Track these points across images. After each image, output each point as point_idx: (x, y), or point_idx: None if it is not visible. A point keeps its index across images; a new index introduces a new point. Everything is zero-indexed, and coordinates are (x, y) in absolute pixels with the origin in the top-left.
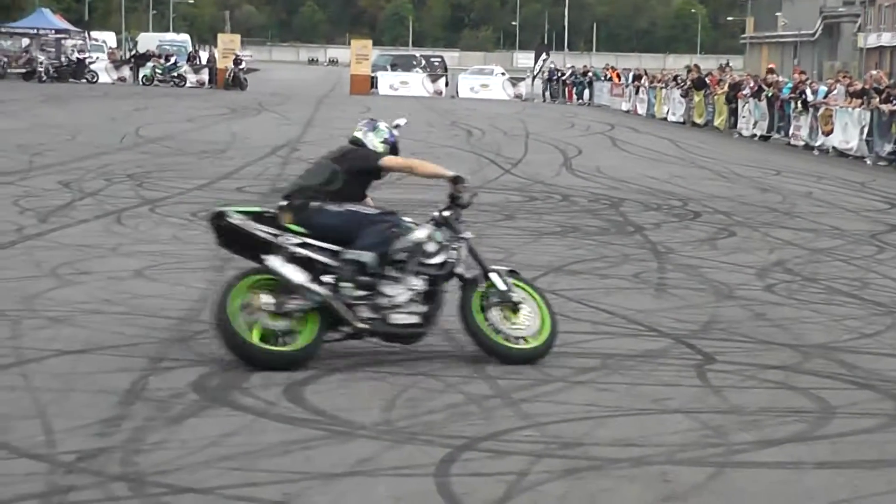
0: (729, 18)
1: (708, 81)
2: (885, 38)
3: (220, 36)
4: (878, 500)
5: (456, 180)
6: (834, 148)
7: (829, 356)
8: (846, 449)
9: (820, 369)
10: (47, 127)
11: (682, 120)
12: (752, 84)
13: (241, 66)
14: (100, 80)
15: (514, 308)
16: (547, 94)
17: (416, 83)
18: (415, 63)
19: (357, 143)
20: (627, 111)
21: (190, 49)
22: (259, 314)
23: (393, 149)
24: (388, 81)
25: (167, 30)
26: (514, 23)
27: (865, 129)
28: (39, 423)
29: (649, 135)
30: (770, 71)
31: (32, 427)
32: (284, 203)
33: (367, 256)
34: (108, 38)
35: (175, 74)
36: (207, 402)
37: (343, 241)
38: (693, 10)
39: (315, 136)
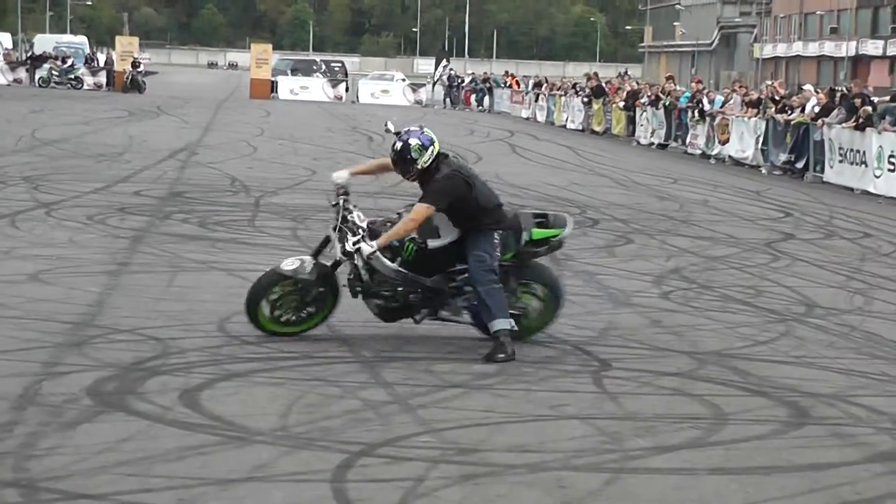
0: (628, 27)
1: (607, 89)
2: (781, 49)
3: (118, 38)
4: None
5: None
6: (730, 157)
7: (724, 363)
8: (739, 455)
9: (714, 376)
10: None
11: (581, 128)
12: (649, 93)
13: (139, 69)
14: None
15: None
16: (447, 100)
17: (316, 88)
18: (315, 68)
19: (409, 155)
20: (527, 118)
21: (87, 51)
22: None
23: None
24: (289, 86)
25: (64, 31)
26: (414, 29)
27: (761, 139)
28: None
29: (549, 142)
30: (668, 79)
31: None
32: None
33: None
34: (4, 38)
35: (72, 77)
36: (102, 408)
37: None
38: (592, 19)
39: (214, 139)
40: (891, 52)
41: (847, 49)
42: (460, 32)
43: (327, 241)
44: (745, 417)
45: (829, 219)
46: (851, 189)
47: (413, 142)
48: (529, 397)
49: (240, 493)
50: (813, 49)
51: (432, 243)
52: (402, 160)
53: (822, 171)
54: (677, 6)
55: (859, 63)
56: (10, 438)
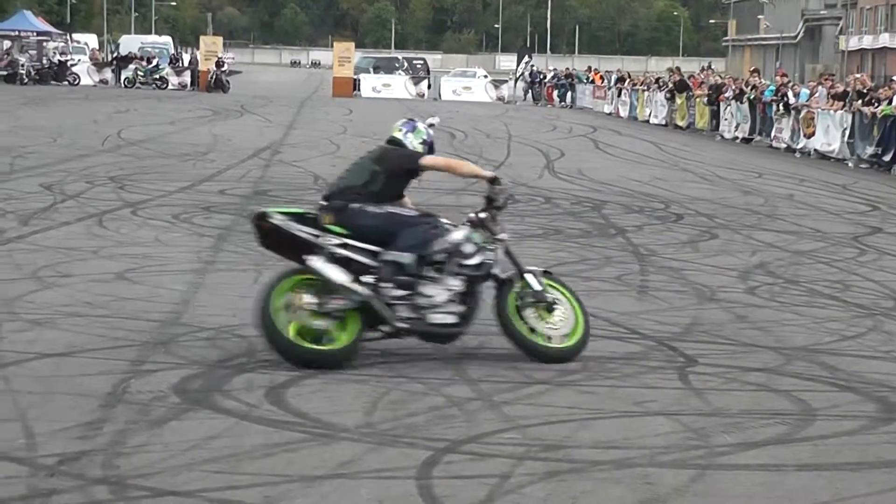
0: (711, 21)
1: (690, 84)
2: (867, 41)
3: (202, 38)
4: (860, 501)
5: (493, 181)
6: (816, 150)
7: (811, 358)
8: (828, 451)
9: (801, 371)
10: (29, 129)
11: (664, 122)
12: (733, 87)
13: (223, 69)
14: (81, 83)
15: (549, 308)
16: (529, 96)
17: (398, 86)
18: (397, 65)
19: (396, 143)
20: (610, 114)
21: (172, 51)
22: (300, 313)
23: (430, 148)
24: (371, 84)
25: (149, 32)
26: (496, 25)
27: (847, 132)
28: (20, 426)
29: (631, 137)
30: (753, 73)
31: (13, 430)
32: (325, 203)
33: (406, 258)
34: (90, 40)
35: (157, 77)
36: (189, 405)
37: (383, 241)
38: (675, 13)
39: (297, 138)
40: None
41: None
42: (542, 28)
43: None
44: (833, 413)
45: None
46: None
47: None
48: (614, 393)
49: (325, 489)
50: None
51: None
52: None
53: None
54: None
55: None
56: (99, 436)
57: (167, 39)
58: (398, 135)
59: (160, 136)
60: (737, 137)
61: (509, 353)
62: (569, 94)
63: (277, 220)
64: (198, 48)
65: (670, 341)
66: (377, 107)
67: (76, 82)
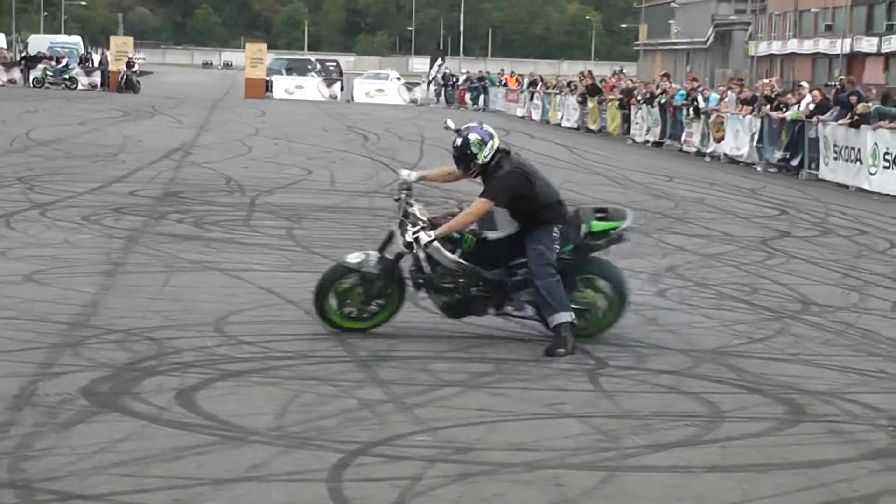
0: (623, 25)
1: (602, 88)
2: (776, 46)
3: (112, 38)
4: (767, 502)
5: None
6: (725, 154)
7: (720, 361)
8: (736, 452)
9: (710, 374)
10: None
11: (576, 126)
12: (644, 91)
13: (133, 69)
14: None
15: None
16: (442, 98)
17: (311, 87)
18: (310, 67)
19: (468, 150)
20: (522, 117)
21: (82, 51)
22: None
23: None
24: (284, 85)
25: (59, 32)
26: (409, 28)
27: (756, 136)
28: None
29: (544, 140)
30: (663, 77)
31: None
32: None
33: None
34: None
35: (67, 77)
36: (98, 408)
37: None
38: (587, 17)
39: (209, 139)
40: (885, 49)
41: (842, 46)
42: (455, 31)
43: (391, 236)
44: (742, 415)
45: (825, 216)
46: (846, 186)
47: (473, 137)
48: (526, 396)
49: (236, 492)
50: (808, 46)
51: (491, 235)
52: (463, 156)
53: (818, 168)
54: (672, 4)
55: (854, 60)
56: (6, 439)
57: (77, 39)
58: (477, 150)
59: (70, 137)
60: (648, 141)
61: (421, 355)
62: (482, 96)
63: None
64: (108, 48)
65: (581, 344)
66: (290, 108)
67: None
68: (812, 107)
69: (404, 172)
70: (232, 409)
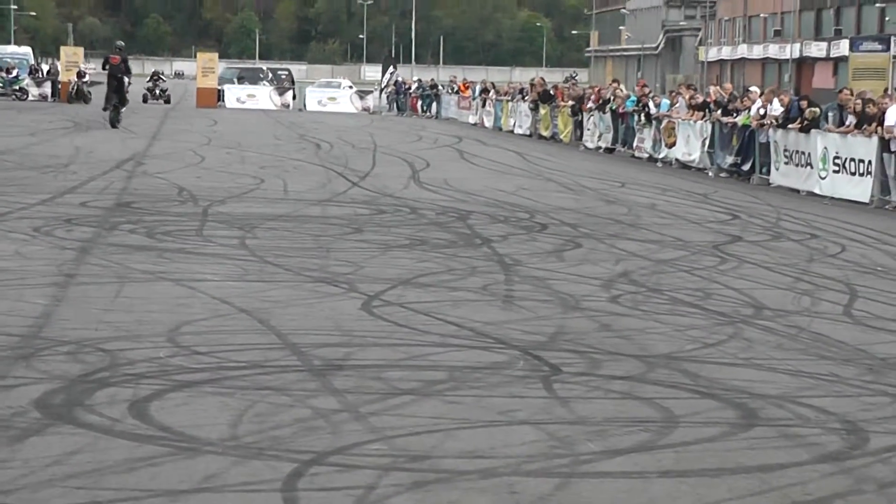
0: (574, 32)
1: (554, 94)
2: (726, 52)
3: (63, 48)
4: None
5: None
6: (677, 160)
7: (673, 366)
8: (690, 458)
9: (664, 379)
10: None
11: (528, 132)
12: (595, 97)
13: (84, 80)
14: None
15: None
16: (394, 106)
17: (263, 96)
18: (262, 76)
19: None
20: (474, 124)
21: (32, 62)
22: None
23: None
24: (235, 94)
25: (8, 42)
26: (361, 36)
27: (707, 142)
28: None
29: (496, 147)
30: (613, 83)
31: None
32: None
33: None
34: None
35: (17, 87)
36: (50, 420)
37: None
38: (538, 24)
39: (161, 149)
40: (834, 53)
41: (791, 51)
42: (406, 39)
43: None
44: (695, 420)
45: (776, 220)
46: (797, 191)
47: None
48: (480, 403)
49: (190, 503)
50: (757, 52)
51: None
52: None
53: (769, 173)
54: (623, 11)
55: (803, 65)
56: None
57: (27, 50)
58: None
59: (20, 148)
60: (600, 147)
61: (374, 364)
62: (434, 104)
63: None
64: (58, 59)
65: (535, 350)
66: (242, 117)
67: None
68: (762, 112)
69: None
70: (186, 420)
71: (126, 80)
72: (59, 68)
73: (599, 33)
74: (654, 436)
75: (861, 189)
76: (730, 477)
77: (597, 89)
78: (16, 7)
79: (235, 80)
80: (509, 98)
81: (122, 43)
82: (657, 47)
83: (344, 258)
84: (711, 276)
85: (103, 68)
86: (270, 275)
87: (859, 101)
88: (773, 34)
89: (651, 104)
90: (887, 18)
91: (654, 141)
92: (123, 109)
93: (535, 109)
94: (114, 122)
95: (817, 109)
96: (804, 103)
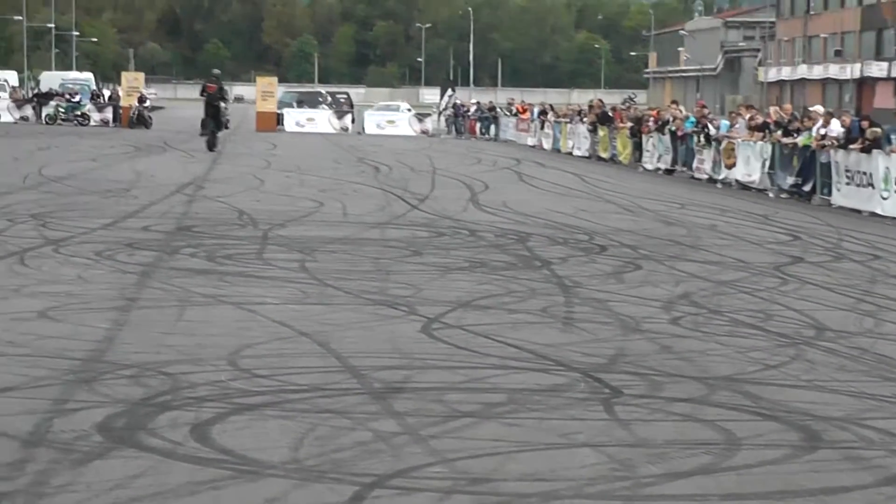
0: (632, 53)
1: (612, 116)
2: (785, 73)
3: (123, 74)
4: None
5: None
6: (737, 181)
7: (735, 388)
8: (752, 480)
9: (725, 401)
10: None
11: (587, 154)
12: (654, 118)
13: (145, 104)
14: (2, 120)
15: None
16: (453, 129)
17: (322, 120)
18: (321, 99)
19: None
20: (533, 146)
21: (93, 87)
22: None
23: None
24: (295, 118)
25: (70, 68)
26: (419, 59)
27: (767, 163)
28: None
29: (555, 169)
30: (673, 104)
31: None
32: None
33: None
34: (10, 76)
35: (78, 113)
36: (113, 444)
37: None
38: (596, 45)
39: (221, 173)
40: (895, 73)
41: (852, 72)
42: (465, 61)
43: None
44: (757, 442)
45: (838, 241)
46: (859, 211)
47: None
48: (541, 426)
49: None
50: (818, 72)
51: None
52: None
53: (830, 193)
54: (681, 32)
55: (864, 85)
56: (21, 476)
57: (88, 75)
58: None
59: (82, 173)
60: (659, 169)
61: (434, 386)
62: (492, 126)
63: None
64: (119, 84)
65: (596, 372)
66: (301, 141)
67: None
68: (823, 132)
69: None
70: (247, 443)
71: (223, 105)
72: (120, 93)
73: (658, 54)
74: (715, 458)
75: None
76: (793, 500)
77: (656, 111)
78: (77, 33)
79: (294, 103)
80: (568, 120)
81: (218, 71)
82: (716, 68)
83: (403, 281)
84: (772, 297)
85: (201, 95)
86: (330, 298)
87: None
88: (834, 54)
89: (710, 125)
90: None
91: (713, 162)
92: (220, 134)
93: (593, 131)
94: (211, 146)
95: (878, 129)
96: (865, 123)
